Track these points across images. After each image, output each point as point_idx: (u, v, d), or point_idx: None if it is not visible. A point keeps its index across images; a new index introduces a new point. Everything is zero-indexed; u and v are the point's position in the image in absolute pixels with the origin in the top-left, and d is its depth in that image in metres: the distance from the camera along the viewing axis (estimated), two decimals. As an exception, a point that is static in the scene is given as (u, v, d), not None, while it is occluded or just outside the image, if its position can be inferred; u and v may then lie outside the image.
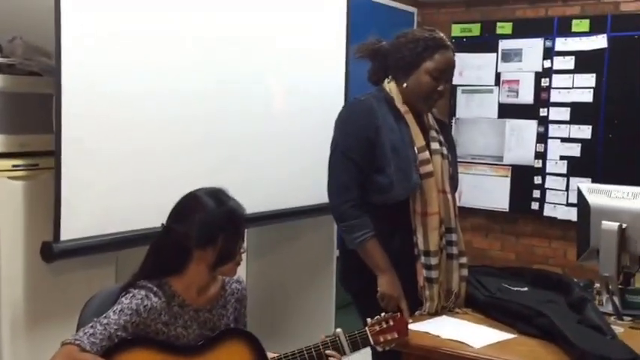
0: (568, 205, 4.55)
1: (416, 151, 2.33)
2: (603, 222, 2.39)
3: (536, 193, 4.72)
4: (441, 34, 2.39)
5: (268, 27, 3.18)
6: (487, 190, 4.90)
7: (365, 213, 2.33)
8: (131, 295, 1.80)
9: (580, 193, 2.52)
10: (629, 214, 2.38)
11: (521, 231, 4.85)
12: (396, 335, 1.99)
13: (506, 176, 4.85)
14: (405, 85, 2.37)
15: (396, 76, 2.40)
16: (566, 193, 4.60)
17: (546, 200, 4.69)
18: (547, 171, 4.69)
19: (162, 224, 1.89)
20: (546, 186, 4.69)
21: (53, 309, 2.47)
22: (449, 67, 2.37)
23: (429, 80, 2.34)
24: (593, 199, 2.47)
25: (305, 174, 3.29)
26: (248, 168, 3.10)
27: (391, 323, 1.99)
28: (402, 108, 2.37)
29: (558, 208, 4.64)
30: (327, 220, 2.46)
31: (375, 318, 2.00)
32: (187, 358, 1.84)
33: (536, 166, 4.73)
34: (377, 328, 1.98)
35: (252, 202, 2.04)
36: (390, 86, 2.41)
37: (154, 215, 2.00)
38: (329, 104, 2.60)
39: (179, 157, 2.79)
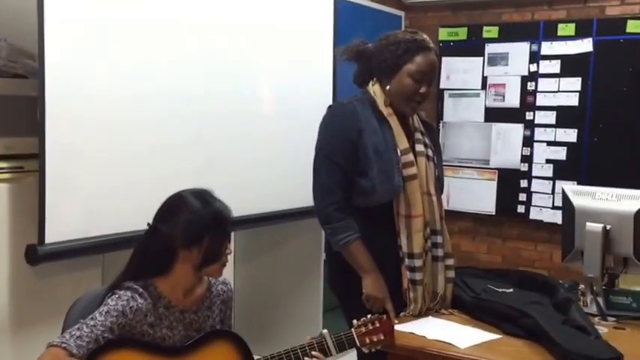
0: (554, 208, 4.57)
1: (399, 154, 2.33)
2: (587, 223, 2.41)
3: (523, 197, 4.74)
4: (424, 36, 2.39)
5: (256, 29, 3.19)
6: (474, 194, 4.91)
7: (349, 215, 2.32)
8: (117, 296, 1.80)
9: (565, 195, 2.53)
10: (613, 215, 2.39)
11: (507, 234, 4.87)
12: (382, 337, 1.99)
13: (493, 180, 4.87)
14: (388, 87, 2.37)
15: (379, 78, 2.40)
16: (551, 196, 4.62)
17: (532, 203, 4.71)
18: (533, 174, 4.70)
19: (148, 224, 1.88)
20: (532, 189, 4.71)
21: (38, 312, 2.46)
22: (430, 69, 2.36)
23: (411, 82, 2.33)
24: (577, 201, 2.49)
25: (293, 176, 3.29)
26: (235, 171, 3.10)
27: (377, 325, 2.00)
28: (385, 110, 2.36)
29: (544, 211, 4.65)
30: (315, 223, 2.45)
31: (362, 319, 2.00)
32: (173, 359, 1.83)
33: (522, 169, 4.75)
34: (363, 329, 1.98)
35: (239, 205, 2.04)
36: (374, 88, 2.41)
37: (139, 217, 1.99)
38: (317, 106, 2.59)
39: (165, 160, 2.78)
